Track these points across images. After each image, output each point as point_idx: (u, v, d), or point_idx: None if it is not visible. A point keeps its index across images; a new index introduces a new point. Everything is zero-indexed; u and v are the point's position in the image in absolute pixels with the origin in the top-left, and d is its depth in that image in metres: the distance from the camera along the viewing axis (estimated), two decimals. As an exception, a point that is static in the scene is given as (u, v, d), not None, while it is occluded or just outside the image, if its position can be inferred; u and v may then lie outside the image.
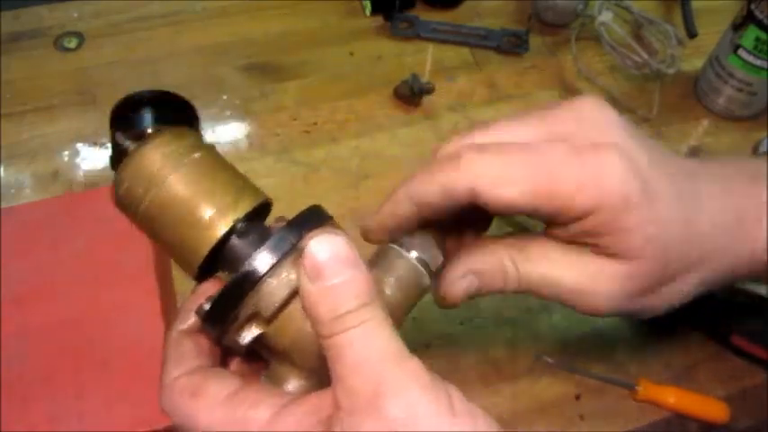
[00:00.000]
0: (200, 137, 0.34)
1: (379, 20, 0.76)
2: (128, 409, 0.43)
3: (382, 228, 0.35)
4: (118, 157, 0.34)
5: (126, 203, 0.32)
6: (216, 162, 0.33)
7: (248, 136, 0.67)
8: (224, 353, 0.34)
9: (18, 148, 0.64)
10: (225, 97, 0.69)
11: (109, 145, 0.64)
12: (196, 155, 0.32)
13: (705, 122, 0.71)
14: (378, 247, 0.36)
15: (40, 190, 0.61)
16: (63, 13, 0.74)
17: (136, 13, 0.75)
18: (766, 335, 0.52)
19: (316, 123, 0.68)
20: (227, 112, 0.68)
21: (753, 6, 0.62)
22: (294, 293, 0.30)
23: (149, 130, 0.33)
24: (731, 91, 0.68)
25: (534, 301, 0.57)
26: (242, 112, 0.68)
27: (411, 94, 0.68)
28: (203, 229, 0.31)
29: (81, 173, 0.63)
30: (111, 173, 0.60)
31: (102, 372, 0.45)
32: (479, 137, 0.35)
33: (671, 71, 0.70)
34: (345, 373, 0.26)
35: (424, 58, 0.68)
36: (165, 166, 0.31)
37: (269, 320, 0.30)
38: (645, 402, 0.52)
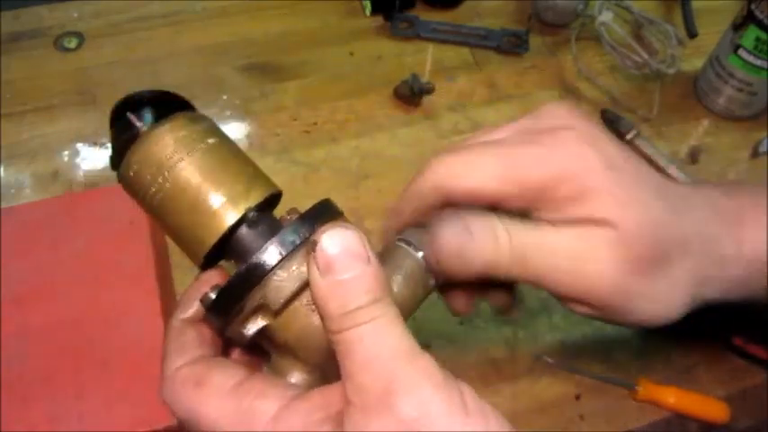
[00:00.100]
0: (213, 123, 0.33)
1: (379, 20, 0.76)
2: (128, 409, 0.43)
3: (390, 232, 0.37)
4: (122, 150, 0.33)
5: (135, 186, 0.31)
6: (229, 149, 0.32)
7: (248, 136, 0.67)
8: (225, 344, 0.34)
9: (18, 148, 0.64)
10: (225, 97, 0.69)
11: (109, 145, 0.64)
12: (210, 140, 0.31)
13: (705, 122, 0.71)
14: (385, 245, 0.36)
15: (40, 190, 0.61)
16: (63, 13, 0.74)
17: (136, 13, 0.75)
18: (766, 335, 0.52)
19: (316, 123, 0.68)
20: (227, 112, 0.68)
21: (753, 6, 0.62)
22: (303, 287, 0.30)
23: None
24: (731, 91, 0.68)
25: (534, 301, 0.57)
26: (242, 112, 0.68)
27: (411, 94, 0.68)
28: (213, 217, 0.30)
29: (81, 173, 0.63)
30: (111, 173, 0.61)
31: (102, 372, 0.45)
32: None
33: (671, 71, 0.70)
34: (355, 369, 0.26)
35: (424, 58, 0.69)
36: (178, 150, 0.30)
37: (276, 313, 0.30)
38: (645, 402, 0.52)
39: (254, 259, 0.29)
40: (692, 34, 0.75)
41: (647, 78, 0.72)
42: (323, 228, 0.27)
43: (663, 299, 0.35)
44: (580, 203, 0.33)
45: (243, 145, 0.66)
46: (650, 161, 0.65)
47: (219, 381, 0.29)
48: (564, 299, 0.35)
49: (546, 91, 0.72)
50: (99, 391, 0.44)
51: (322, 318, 0.27)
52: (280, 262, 0.29)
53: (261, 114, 0.68)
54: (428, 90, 0.68)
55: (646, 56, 0.69)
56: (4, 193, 0.61)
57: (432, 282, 0.34)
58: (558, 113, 0.36)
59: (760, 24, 0.62)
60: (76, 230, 0.50)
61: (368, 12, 0.76)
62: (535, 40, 0.76)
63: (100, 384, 0.44)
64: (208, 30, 0.74)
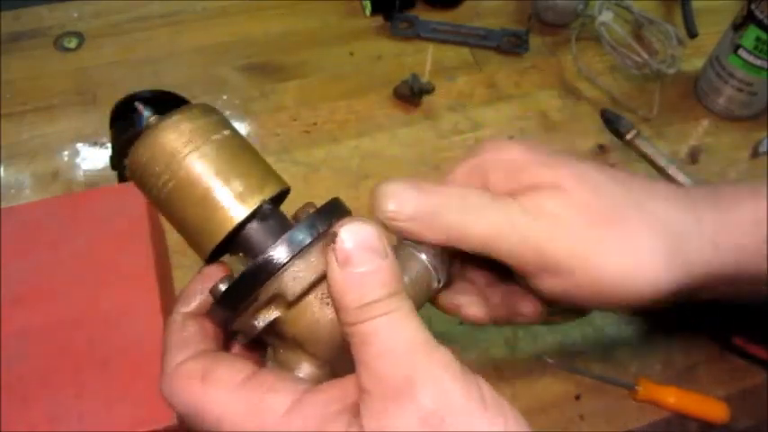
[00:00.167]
0: (224, 116, 0.33)
1: (379, 20, 0.76)
2: (128, 409, 0.43)
3: None
4: (122, 150, 0.33)
5: (144, 175, 0.31)
6: (242, 142, 0.32)
7: (248, 136, 0.67)
8: (225, 339, 0.33)
9: (18, 148, 0.64)
10: (225, 97, 0.69)
11: (109, 145, 0.64)
12: (225, 132, 0.31)
13: (705, 122, 0.71)
14: (391, 246, 0.36)
15: (40, 190, 0.61)
16: (63, 13, 0.74)
17: (136, 13, 0.75)
18: (766, 335, 0.52)
19: (316, 123, 0.68)
20: (227, 112, 0.68)
21: (753, 6, 0.62)
22: (319, 279, 0.29)
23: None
24: (731, 91, 0.68)
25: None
26: (242, 112, 0.68)
27: (411, 94, 0.68)
28: (225, 209, 0.30)
29: (81, 173, 0.63)
30: (111, 173, 0.61)
31: (102, 372, 0.45)
32: None
33: (671, 71, 0.70)
34: (372, 360, 0.26)
35: (424, 58, 0.68)
36: (192, 140, 0.30)
37: (290, 305, 0.30)
38: (645, 402, 0.52)
39: (272, 250, 0.29)
40: (692, 34, 0.75)
41: (647, 78, 0.72)
42: (341, 221, 0.27)
43: (629, 253, 0.33)
44: (516, 178, 0.34)
45: (243, 145, 0.66)
46: (650, 161, 0.65)
47: (227, 375, 0.28)
48: (528, 273, 0.34)
49: (546, 91, 0.72)
50: (99, 391, 0.44)
51: (337, 310, 0.27)
52: (298, 253, 0.29)
53: (261, 114, 0.68)
54: (428, 90, 0.68)
55: (646, 56, 0.69)
56: (4, 193, 0.61)
57: (436, 285, 0.34)
58: (479, 144, 0.37)
59: (760, 24, 0.62)
60: (76, 230, 0.50)
61: (368, 12, 0.76)
62: (535, 40, 0.76)
63: (100, 384, 0.44)
64: (208, 30, 0.74)
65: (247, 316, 0.30)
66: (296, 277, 0.29)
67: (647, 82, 0.72)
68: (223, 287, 0.30)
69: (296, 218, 0.33)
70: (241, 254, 0.32)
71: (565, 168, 0.34)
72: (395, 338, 0.26)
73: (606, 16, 0.71)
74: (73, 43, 0.72)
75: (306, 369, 0.31)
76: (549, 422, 0.52)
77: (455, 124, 0.69)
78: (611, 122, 0.68)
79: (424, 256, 0.34)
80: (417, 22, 0.75)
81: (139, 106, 0.32)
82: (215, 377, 0.28)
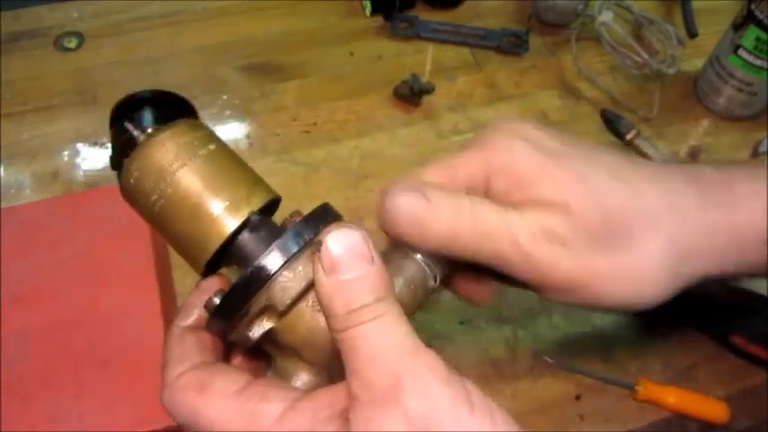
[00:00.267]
0: (211, 130, 0.33)
1: (379, 20, 0.76)
2: (128, 409, 0.43)
3: None
4: (122, 150, 0.34)
5: (136, 194, 0.31)
6: (229, 155, 0.33)
7: (248, 136, 0.67)
8: (226, 350, 0.34)
9: (18, 148, 0.64)
10: (225, 97, 0.69)
11: (109, 145, 0.64)
12: (211, 146, 0.32)
13: (705, 122, 0.71)
14: (385, 246, 0.36)
15: (40, 190, 0.61)
16: (63, 13, 0.74)
17: (136, 13, 0.75)
18: (766, 335, 0.52)
19: (316, 123, 0.68)
20: (227, 112, 0.68)
21: (753, 6, 0.62)
22: (308, 288, 0.30)
23: (149, 130, 0.32)
24: (731, 91, 0.68)
25: (534, 301, 0.57)
26: (242, 112, 0.68)
27: (411, 94, 0.68)
28: (216, 222, 0.31)
29: (81, 173, 0.63)
30: (111, 173, 0.61)
31: (102, 372, 0.45)
32: None
33: (671, 71, 0.70)
34: (361, 365, 0.26)
35: (424, 58, 0.68)
36: (179, 157, 0.31)
37: (282, 314, 0.30)
38: (645, 402, 0.52)
39: (260, 261, 0.29)
40: (692, 34, 0.75)
41: (647, 78, 0.72)
42: (327, 228, 0.27)
43: (633, 278, 0.33)
44: (522, 190, 0.33)
45: (243, 145, 0.66)
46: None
47: (222, 385, 0.29)
48: (527, 283, 0.34)
49: (546, 91, 0.72)
50: (99, 391, 0.44)
51: (326, 317, 0.27)
52: (285, 263, 0.29)
53: (261, 114, 0.68)
54: (428, 90, 0.68)
55: (646, 56, 0.69)
56: (4, 193, 0.61)
57: (431, 284, 0.34)
58: (493, 124, 0.36)
59: (760, 24, 0.62)
60: (76, 230, 0.50)
61: (368, 12, 0.76)
62: (535, 40, 0.76)
63: (100, 384, 0.44)
64: (208, 30, 0.74)
65: (242, 327, 0.31)
66: (285, 287, 0.30)
67: (647, 82, 0.72)
68: (217, 301, 0.30)
69: (284, 227, 0.33)
70: (235, 265, 0.32)
71: (573, 182, 0.33)
72: (383, 343, 0.26)
73: (606, 16, 0.71)
74: (73, 43, 0.72)
75: (304, 377, 0.31)
76: (549, 422, 0.52)
77: (455, 124, 0.69)
78: (612, 122, 0.68)
79: (418, 255, 0.34)
80: (417, 22, 0.75)
81: (129, 126, 0.33)
82: (211, 388, 0.29)
